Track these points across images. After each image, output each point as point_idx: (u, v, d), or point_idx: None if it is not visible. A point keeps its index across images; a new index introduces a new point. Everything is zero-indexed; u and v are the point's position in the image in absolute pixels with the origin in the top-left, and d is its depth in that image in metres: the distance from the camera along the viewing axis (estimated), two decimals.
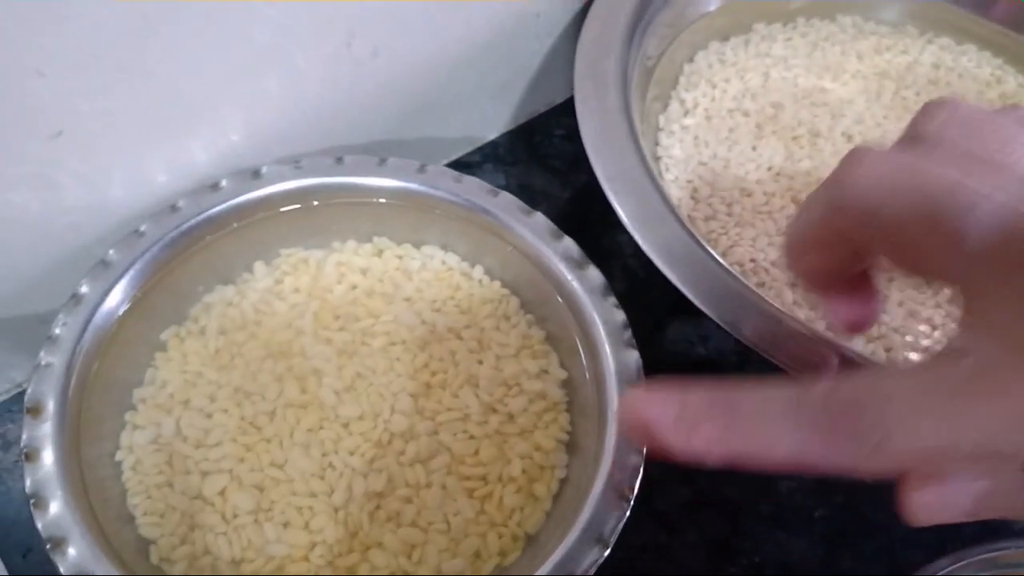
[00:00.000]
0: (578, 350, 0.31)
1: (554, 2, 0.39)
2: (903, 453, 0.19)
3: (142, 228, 0.31)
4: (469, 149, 0.43)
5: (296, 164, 0.33)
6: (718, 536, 0.32)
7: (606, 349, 0.29)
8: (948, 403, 0.18)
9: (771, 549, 0.32)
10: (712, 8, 0.41)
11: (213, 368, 0.31)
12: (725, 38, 0.42)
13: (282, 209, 0.33)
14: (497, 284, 0.34)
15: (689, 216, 0.36)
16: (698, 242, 0.30)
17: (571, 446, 0.30)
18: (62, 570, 0.24)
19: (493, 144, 0.43)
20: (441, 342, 0.32)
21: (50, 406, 0.27)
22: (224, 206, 0.32)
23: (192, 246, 0.31)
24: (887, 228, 0.20)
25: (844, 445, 0.19)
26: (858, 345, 0.32)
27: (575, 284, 0.31)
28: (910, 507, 0.20)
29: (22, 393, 0.34)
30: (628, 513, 0.26)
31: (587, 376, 0.30)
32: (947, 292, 0.35)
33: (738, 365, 0.36)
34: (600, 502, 0.26)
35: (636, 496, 0.27)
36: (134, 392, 0.30)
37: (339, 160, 0.33)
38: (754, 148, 0.38)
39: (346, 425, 0.30)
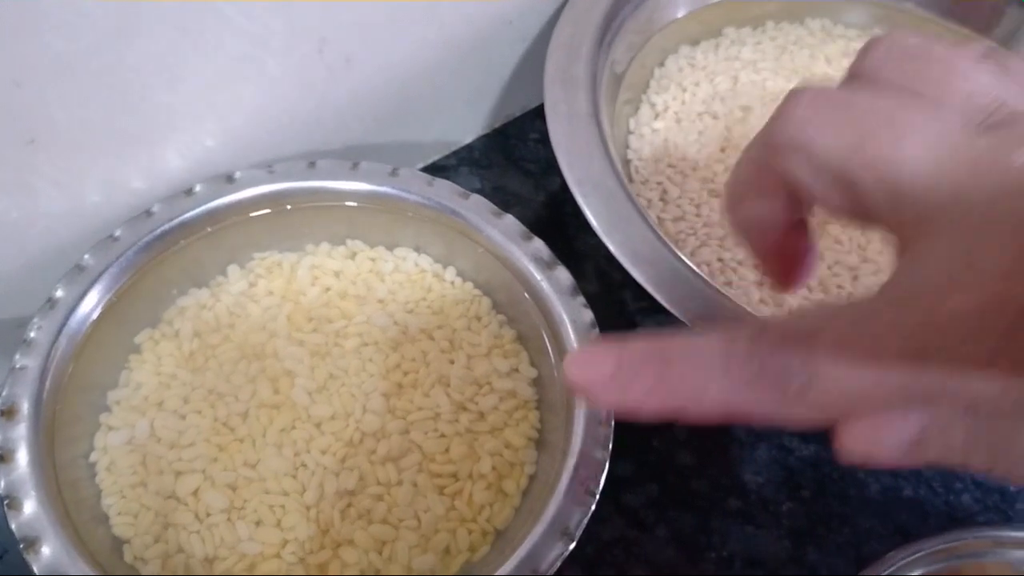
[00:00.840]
0: (547, 349, 0.31)
1: (527, 8, 0.40)
2: (830, 393, 0.18)
3: (117, 233, 0.31)
4: (445, 153, 0.43)
5: (269, 169, 0.33)
6: (687, 531, 0.33)
7: (574, 347, 0.30)
8: (874, 332, 0.18)
9: (739, 544, 0.33)
10: (680, 14, 0.41)
11: (187, 370, 0.31)
12: (695, 42, 0.43)
13: (255, 213, 0.33)
14: (469, 285, 0.34)
15: (658, 217, 0.37)
16: (665, 243, 0.31)
17: (540, 443, 0.31)
18: (35, 570, 0.25)
19: (468, 148, 0.44)
20: (413, 342, 0.32)
21: (24, 408, 0.27)
22: (198, 211, 0.32)
23: (166, 250, 0.32)
24: (819, 163, 0.20)
25: (769, 390, 0.19)
26: None
27: (544, 284, 0.31)
28: (843, 442, 0.19)
29: None
30: (593, 508, 0.26)
31: (556, 374, 0.31)
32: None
33: None
34: (566, 497, 0.27)
35: (606, 493, 0.27)
36: (109, 394, 0.31)
37: (312, 164, 0.34)
38: (723, 150, 0.39)
39: (318, 425, 0.30)
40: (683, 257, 0.31)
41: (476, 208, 0.33)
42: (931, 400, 0.18)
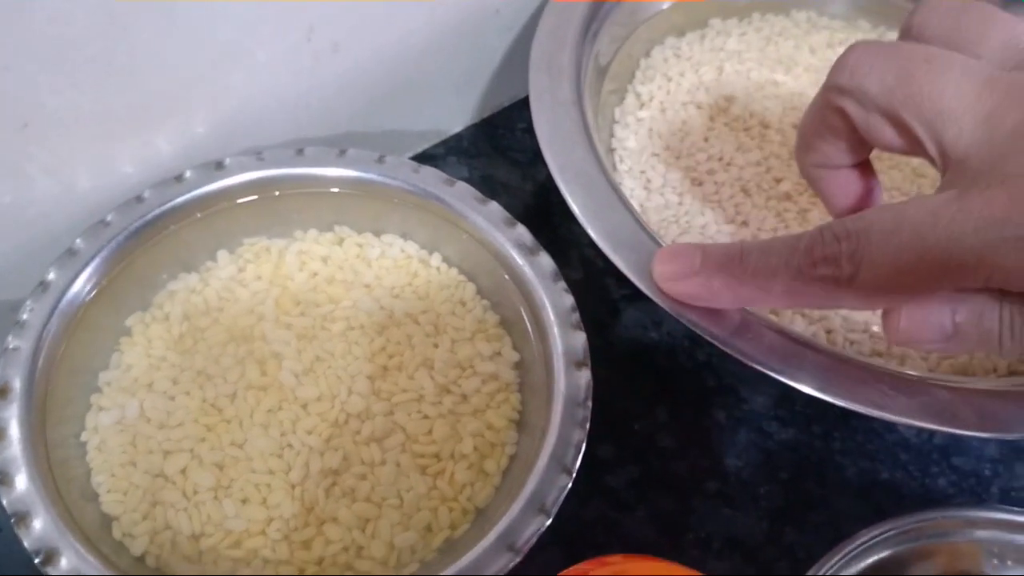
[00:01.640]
0: (529, 333, 0.32)
1: None
2: (874, 281, 0.22)
3: (108, 218, 0.32)
4: (434, 142, 0.44)
5: (258, 156, 0.34)
6: (667, 512, 0.34)
7: (555, 331, 0.31)
8: (923, 220, 0.21)
9: (718, 525, 0.34)
10: (665, 5, 0.42)
11: (176, 352, 0.32)
12: (681, 33, 0.44)
13: (244, 199, 0.34)
14: (454, 271, 0.35)
15: (642, 206, 0.37)
16: (645, 230, 0.32)
17: (521, 424, 0.31)
18: (27, 544, 0.25)
19: (457, 137, 0.45)
20: (399, 326, 0.33)
21: (16, 387, 0.28)
22: (188, 196, 0.33)
23: (157, 235, 0.32)
24: (868, 102, 0.24)
25: (824, 280, 0.23)
26: (798, 326, 0.33)
27: (526, 269, 0.32)
28: (890, 324, 0.23)
29: None
30: (570, 485, 0.27)
31: (537, 358, 0.31)
32: None
33: (689, 349, 0.38)
34: (544, 475, 0.27)
35: (587, 474, 0.28)
36: (100, 375, 0.31)
37: (300, 152, 0.34)
38: (706, 139, 0.39)
39: (304, 406, 0.31)
40: (663, 244, 0.31)
41: (460, 195, 0.34)
42: (966, 292, 0.22)
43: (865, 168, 0.29)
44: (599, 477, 0.34)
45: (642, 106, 0.41)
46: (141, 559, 0.28)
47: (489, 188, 0.37)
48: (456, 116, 0.44)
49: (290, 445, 0.30)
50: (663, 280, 0.28)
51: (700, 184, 0.38)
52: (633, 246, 0.31)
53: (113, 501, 0.29)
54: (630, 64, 0.42)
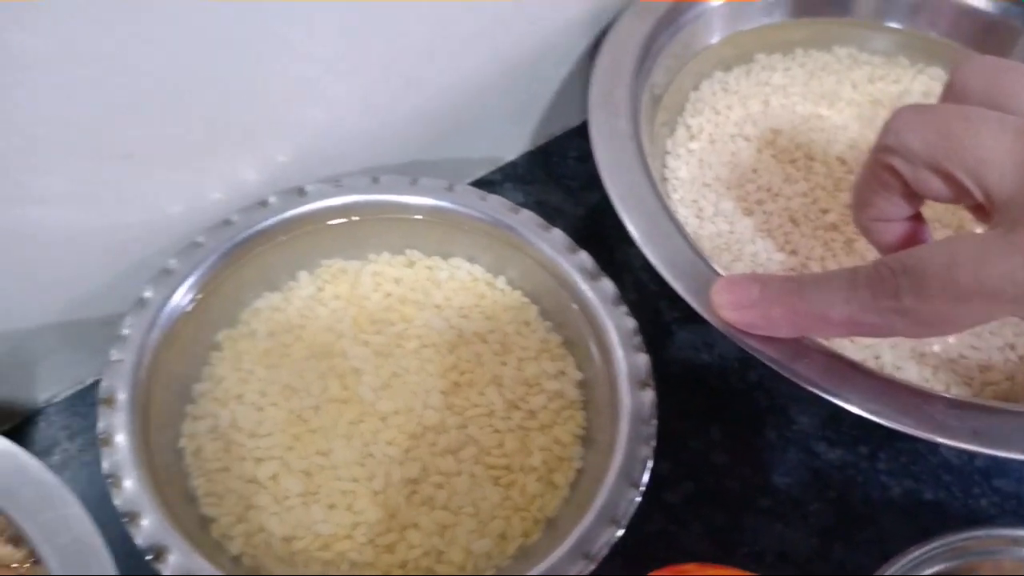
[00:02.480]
0: (592, 354, 0.34)
1: (570, 34, 0.43)
2: (935, 308, 0.25)
3: (200, 239, 0.34)
4: (491, 169, 0.46)
5: (336, 183, 0.36)
6: (721, 527, 0.35)
7: (618, 353, 0.32)
8: (975, 255, 0.24)
9: (769, 540, 0.35)
10: (715, 40, 0.44)
11: (263, 366, 0.34)
12: (728, 68, 0.46)
13: (325, 223, 0.36)
14: (518, 293, 0.37)
15: (694, 233, 0.39)
16: (701, 256, 0.33)
17: (586, 440, 0.33)
18: (138, 541, 0.27)
19: (512, 164, 0.47)
20: (468, 345, 0.35)
21: (121, 397, 0.30)
22: (272, 220, 0.35)
23: (244, 256, 0.35)
24: (915, 159, 0.26)
25: (883, 311, 0.25)
26: (848, 351, 0.35)
27: (590, 294, 0.34)
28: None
29: (83, 390, 0.38)
30: (639, 498, 0.29)
31: (601, 377, 0.33)
32: None
33: (740, 371, 0.39)
34: (614, 488, 0.29)
35: (647, 488, 0.30)
36: (193, 387, 0.33)
37: (375, 180, 0.36)
38: (754, 170, 0.41)
39: (384, 419, 0.33)
40: (718, 270, 0.33)
41: (526, 222, 0.36)
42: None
43: (917, 217, 0.31)
44: (656, 492, 0.36)
45: (692, 138, 0.43)
46: (238, 559, 0.30)
47: (543, 213, 0.39)
48: (512, 144, 0.47)
49: (372, 455, 0.32)
50: (723, 309, 0.30)
51: (751, 214, 0.39)
52: (690, 272, 0.33)
53: (210, 504, 0.31)
54: (680, 97, 0.44)
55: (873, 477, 0.37)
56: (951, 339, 0.37)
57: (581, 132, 0.49)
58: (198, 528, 0.30)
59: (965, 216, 0.41)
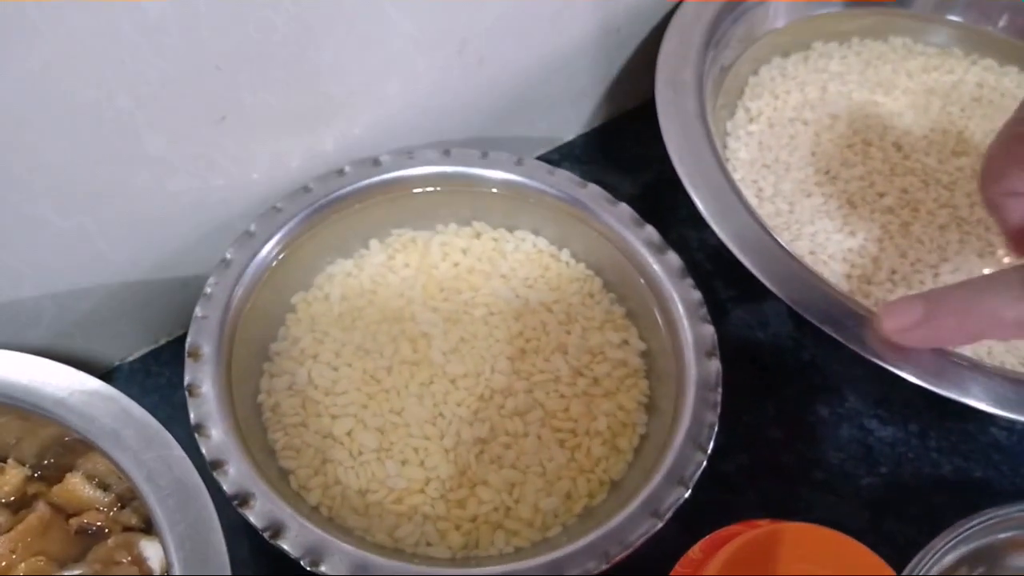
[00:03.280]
0: (658, 324, 0.35)
1: (634, 18, 0.44)
2: None
3: (279, 205, 0.35)
4: (549, 148, 0.47)
5: (410, 155, 0.37)
6: (775, 497, 0.36)
7: (684, 323, 0.33)
8: None
9: (823, 511, 0.36)
10: (779, 25, 0.45)
11: (338, 328, 0.35)
12: (786, 54, 0.47)
13: (396, 194, 0.37)
14: (582, 266, 0.38)
15: (755, 212, 0.40)
16: (768, 232, 0.34)
17: (650, 408, 0.34)
18: (224, 487, 0.28)
19: (570, 144, 0.48)
20: (533, 314, 0.36)
21: (207, 351, 0.31)
22: (348, 188, 0.36)
23: (321, 223, 0.36)
24: None
25: None
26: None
27: (656, 266, 0.35)
28: None
29: (156, 350, 0.39)
30: (705, 462, 0.30)
31: (666, 347, 0.34)
32: None
33: (794, 349, 0.40)
34: (681, 450, 0.30)
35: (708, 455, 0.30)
36: (270, 346, 0.35)
37: (447, 152, 0.38)
38: (813, 154, 0.42)
39: (453, 381, 0.34)
40: (784, 244, 0.34)
41: (593, 197, 0.37)
42: None
43: None
44: (712, 463, 0.37)
45: (751, 120, 0.44)
46: (316, 509, 0.31)
47: None
48: (571, 125, 0.48)
49: (442, 415, 0.33)
50: (895, 333, 0.30)
51: (809, 195, 0.40)
52: (756, 247, 0.34)
53: (288, 457, 0.32)
54: (739, 81, 0.45)
55: (924, 454, 0.38)
56: None
57: (637, 114, 0.50)
58: (278, 479, 0.31)
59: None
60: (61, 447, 0.31)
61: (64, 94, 0.28)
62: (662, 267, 0.35)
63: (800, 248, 0.38)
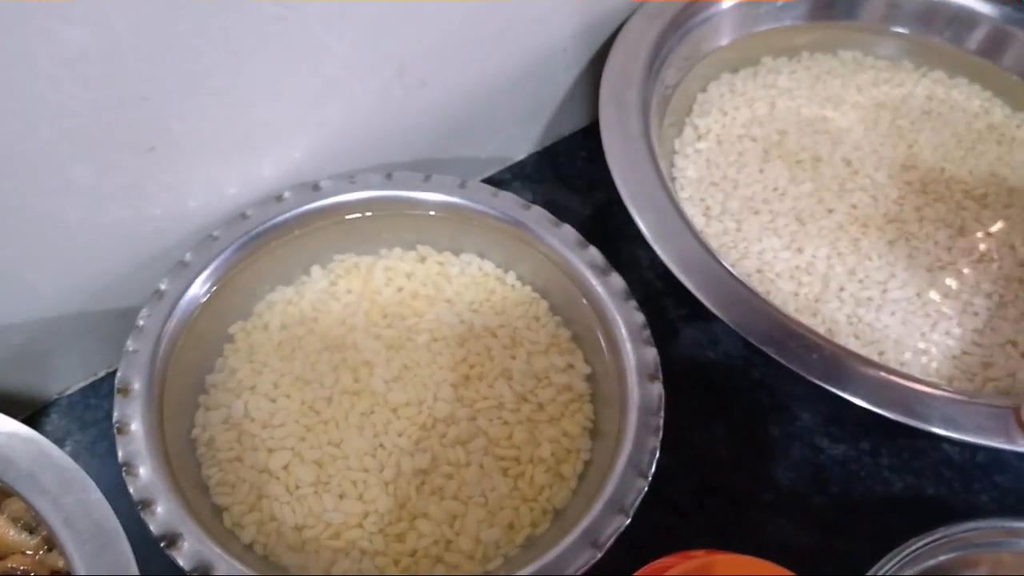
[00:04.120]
0: (601, 347, 0.34)
1: (579, 37, 0.43)
2: None
3: (216, 233, 0.35)
4: (500, 168, 0.47)
5: (351, 179, 0.37)
6: (723, 520, 0.36)
7: (627, 346, 0.33)
8: None
9: (772, 533, 0.36)
10: (724, 43, 0.45)
11: (277, 358, 0.34)
12: (735, 70, 0.46)
13: (339, 219, 0.36)
14: (528, 289, 0.38)
15: (702, 231, 0.40)
16: (711, 253, 0.34)
17: (594, 432, 0.34)
18: (152, 528, 0.28)
19: (521, 164, 0.47)
20: (478, 339, 0.36)
21: (137, 387, 0.31)
22: (287, 215, 0.36)
23: (259, 250, 0.35)
24: None
25: None
26: (852, 345, 0.36)
27: (599, 289, 0.35)
28: None
29: (96, 382, 0.38)
30: (646, 488, 0.29)
31: (610, 370, 0.34)
32: None
33: (744, 368, 0.40)
34: (621, 478, 0.30)
35: (651, 481, 0.30)
36: (206, 378, 0.34)
37: (389, 176, 0.37)
38: (761, 171, 0.42)
39: (395, 410, 0.33)
40: (728, 267, 0.34)
41: (537, 218, 0.37)
42: None
43: None
44: (659, 486, 0.36)
45: (700, 138, 0.43)
46: (250, 547, 0.30)
47: (552, 211, 0.39)
48: (521, 144, 0.47)
49: (382, 446, 0.32)
50: None
51: (757, 213, 0.40)
52: (700, 269, 0.34)
53: (222, 493, 0.31)
54: (687, 98, 0.45)
55: (875, 472, 0.37)
56: (955, 336, 0.37)
57: (588, 133, 0.50)
58: (211, 517, 0.30)
59: (968, 216, 0.41)
60: None
61: None
62: (606, 289, 0.35)
63: (747, 267, 0.38)
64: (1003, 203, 0.42)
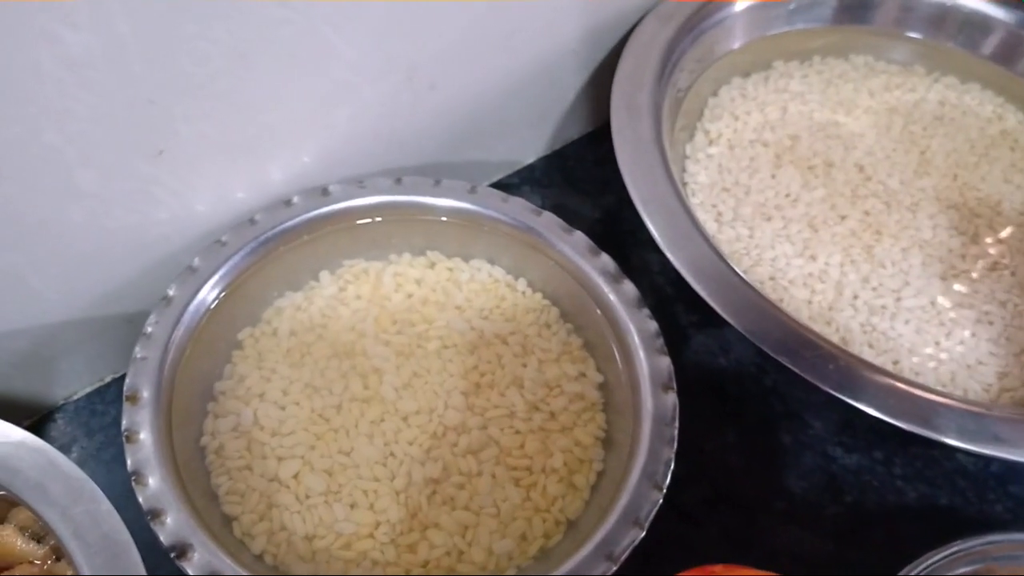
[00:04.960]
0: (614, 356, 0.34)
1: (589, 40, 0.43)
2: None
3: (224, 238, 0.34)
4: (509, 172, 0.46)
5: (360, 184, 0.36)
6: (735, 528, 0.35)
7: (640, 355, 0.33)
8: None
9: (785, 542, 0.35)
10: (736, 46, 0.44)
11: (286, 365, 0.34)
12: (746, 74, 0.46)
13: (349, 224, 0.36)
14: (539, 296, 0.37)
15: (714, 237, 0.40)
16: (724, 260, 0.34)
17: (607, 442, 0.33)
18: (161, 538, 0.27)
19: (530, 168, 0.47)
20: (489, 346, 0.35)
21: (146, 395, 0.30)
22: (296, 220, 0.35)
23: (267, 256, 0.35)
24: None
25: None
26: (867, 354, 0.35)
27: (612, 296, 0.34)
28: None
29: (102, 388, 0.38)
30: (661, 500, 0.29)
31: (622, 379, 0.33)
32: None
33: (756, 375, 0.40)
34: (636, 490, 0.29)
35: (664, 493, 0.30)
36: (215, 385, 0.34)
37: (398, 181, 0.37)
38: (773, 176, 0.41)
39: (405, 418, 0.33)
40: (740, 273, 0.33)
41: (548, 224, 0.36)
42: None
43: None
44: (671, 494, 0.36)
45: (711, 143, 0.43)
46: (260, 557, 0.30)
47: (562, 216, 0.39)
48: (530, 148, 0.47)
49: (393, 454, 0.32)
50: None
51: (769, 219, 0.40)
52: (712, 275, 0.33)
53: (232, 502, 0.31)
54: (699, 103, 0.44)
55: (888, 482, 0.37)
56: (969, 345, 0.37)
57: (597, 137, 0.49)
58: (220, 526, 0.30)
59: (981, 223, 0.41)
60: None
61: None
62: (618, 297, 0.34)
63: (760, 274, 0.38)
64: (1017, 210, 0.42)
